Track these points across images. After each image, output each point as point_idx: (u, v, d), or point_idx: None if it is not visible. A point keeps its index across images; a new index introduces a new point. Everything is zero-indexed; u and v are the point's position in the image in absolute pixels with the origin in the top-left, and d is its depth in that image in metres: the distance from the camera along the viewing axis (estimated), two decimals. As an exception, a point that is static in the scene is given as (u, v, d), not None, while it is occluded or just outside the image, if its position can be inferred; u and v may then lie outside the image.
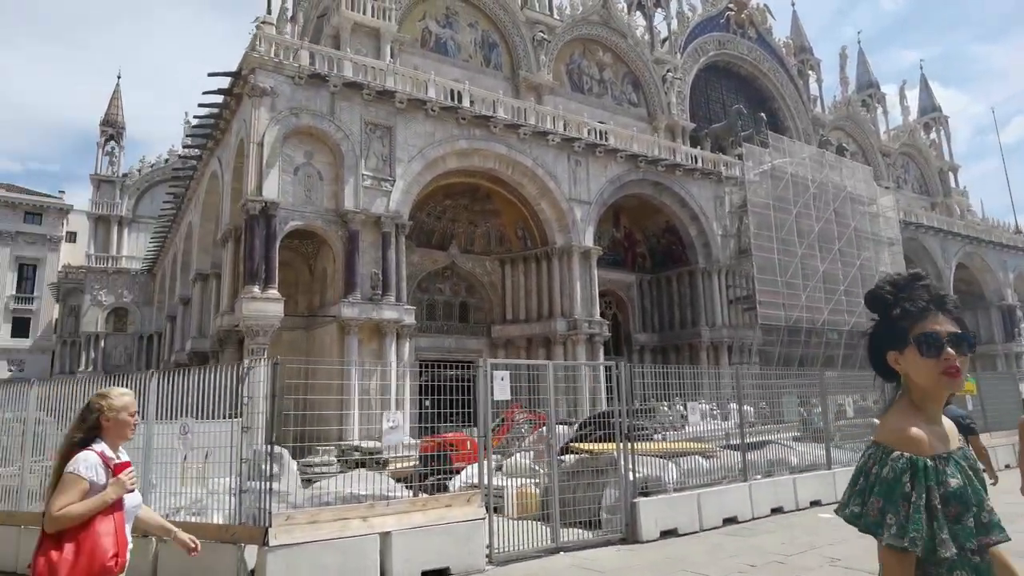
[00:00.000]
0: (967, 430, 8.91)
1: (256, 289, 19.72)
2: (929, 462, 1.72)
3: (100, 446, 3.31)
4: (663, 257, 33.09)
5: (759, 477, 11.62)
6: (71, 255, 50.35)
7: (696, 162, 31.06)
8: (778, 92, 42.81)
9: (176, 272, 35.72)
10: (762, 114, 38.06)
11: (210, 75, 22.61)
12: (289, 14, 36.97)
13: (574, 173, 26.92)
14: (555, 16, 32.61)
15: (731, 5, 41.24)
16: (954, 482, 1.69)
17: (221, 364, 22.65)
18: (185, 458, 7.62)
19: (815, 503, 12.11)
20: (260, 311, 19.61)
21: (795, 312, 29.31)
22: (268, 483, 6.63)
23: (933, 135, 54.14)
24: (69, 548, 3.10)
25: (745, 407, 12.43)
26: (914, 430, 1.76)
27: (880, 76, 52.98)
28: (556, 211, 26.48)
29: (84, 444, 3.29)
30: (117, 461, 3.34)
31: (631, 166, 28.70)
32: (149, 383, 7.73)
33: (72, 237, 51.80)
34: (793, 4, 49.22)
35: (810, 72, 46.02)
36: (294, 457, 12.70)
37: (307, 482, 11.84)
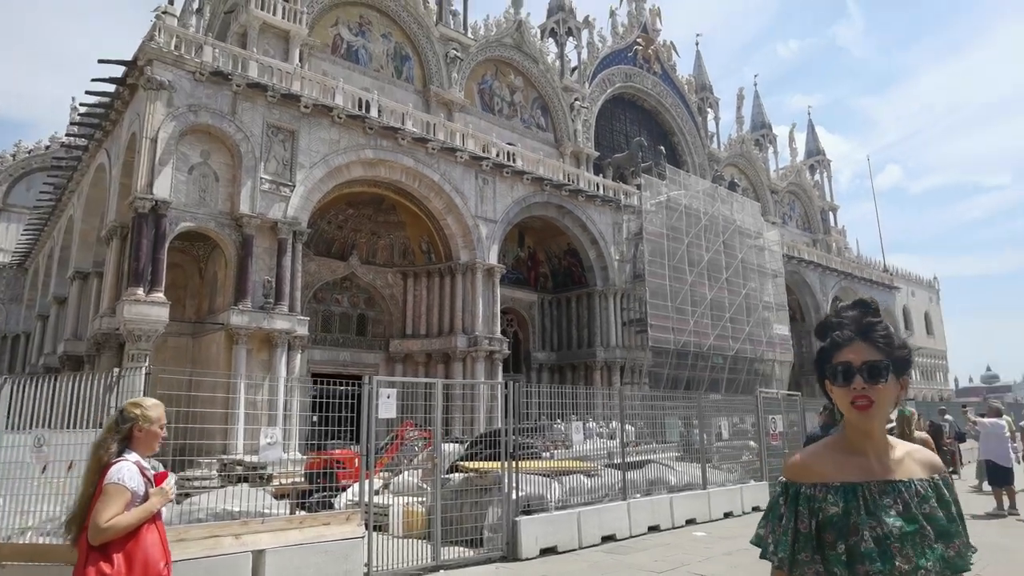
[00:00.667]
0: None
1: (140, 291, 18.68)
2: (804, 488, 1.78)
3: (134, 456, 3.35)
4: (564, 278, 34.00)
5: (638, 496, 12.15)
6: (-73, 243, 45.50)
7: (598, 189, 32.21)
8: (679, 127, 45.15)
9: (52, 268, 33.09)
10: (662, 147, 40.06)
11: (101, 62, 21.33)
12: (195, 6, 35.47)
13: (481, 191, 27.26)
14: (469, 35, 33.04)
15: (639, 40, 43.22)
16: (832, 510, 1.72)
17: (96, 370, 21.29)
18: (44, 469, 7.17)
19: (690, 521, 12.79)
20: (143, 315, 18.56)
21: (684, 336, 30.88)
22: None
23: (817, 176, 58.62)
24: (119, 559, 3.11)
25: (628, 427, 13.01)
26: (798, 458, 1.86)
27: (773, 118, 56.94)
28: (462, 227, 26.69)
29: (117, 454, 3.31)
30: (153, 471, 3.42)
31: (537, 188, 29.40)
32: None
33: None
34: (697, 44, 52.23)
35: (709, 110, 48.80)
36: (173, 470, 12.16)
37: (183, 497, 11.34)
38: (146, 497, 3.27)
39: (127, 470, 3.24)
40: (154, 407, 3.48)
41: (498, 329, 26.97)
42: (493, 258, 27.14)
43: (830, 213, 56.93)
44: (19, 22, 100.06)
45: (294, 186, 21.85)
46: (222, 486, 10.44)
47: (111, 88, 22.07)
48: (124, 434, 3.35)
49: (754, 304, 35.85)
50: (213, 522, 7.26)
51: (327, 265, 26.91)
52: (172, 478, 3.49)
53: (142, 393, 7.08)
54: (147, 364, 16.41)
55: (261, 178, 21.12)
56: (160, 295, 18.95)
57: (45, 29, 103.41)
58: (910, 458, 1.81)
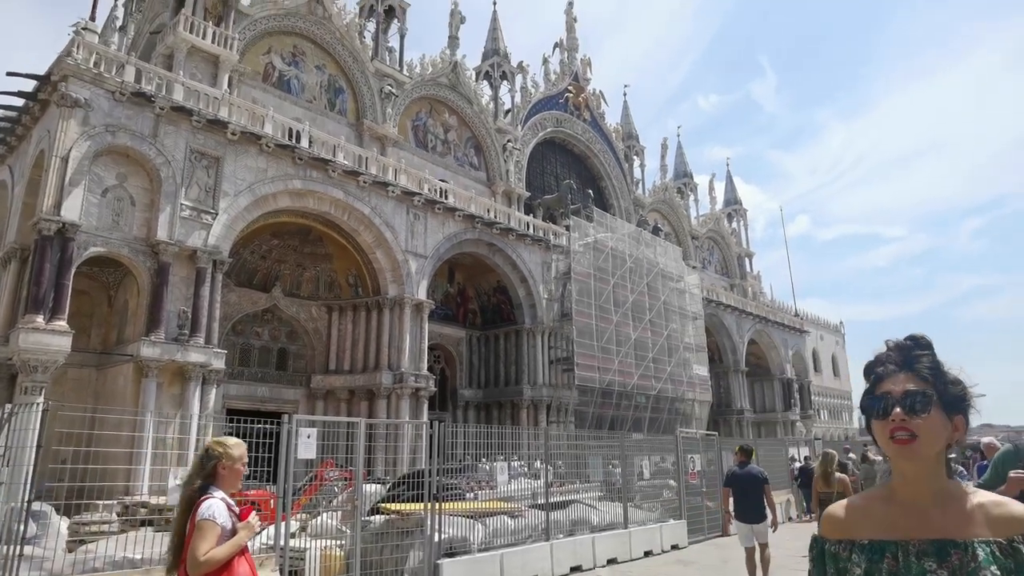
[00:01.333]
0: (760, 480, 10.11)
1: (40, 319, 17.42)
2: (829, 545, 1.58)
3: (220, 493, 3.57)
4: (493, 315, 34.08)
5: (561, 536, 12.12)
6: None
7: (528, 228, 32.69)
8: (606, 172, 46.62)
9: (-63, 290, 30.54)
10: (591, 191, 41.18)
11: (10, 75, 20.22)
12: (118, 23, 34.27)
13: (412, 226, 27.14)
14: (405, 72, 33.28)
15: (570, 87, 44.69)
16: (856, 571, 1.49)
17: (-18, 403, 19.62)
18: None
19: (611, 561, 12.84)
20: (42, 344, 17.29)
21: (608, 375, 31.37)
22: (18, 547, 5.83)
23: (735, 224, 61.52)
24: None
25: (551, 467, 13.03)
26: (832, 509, 1.64)
27: (694, 167, 59.86)
28: (391, 261, 26.42)
29: (203, 491, 3.54)
30: (237, 507, 3.65)
31: (468, 225, 29.54)
32: None
33: None
34: (625, 94, 54.43)
35: (635, 157, 50.69)
36: (67, 514, 11.22)
37: (78, 543, 10.47)
38: (234, 531, 3.50)
39: (216, 507, 3.48)
40: (236, 446, 3.73)
41: (425, 366, 26.63)
42: (422, 293, 26.93)
43: (746, 259, 59.72)
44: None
45: (217, 214, 21.12)
46: (123, 531, 9.74)
47: (19, 103, 20.90)
48: (209, 471, 3.61)
49: (675, 345, 36.92)
50: (111, 572, 6.73)
51: (248, 296, 25.99)
52: (257, 513, 3.73)
53: (37, 431, 6.56)
54: (43, 399, 15.24)
55: (181, 204, 20.33)
56: (62, 323, 17.74)
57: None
58: (982, 512, 1.46)
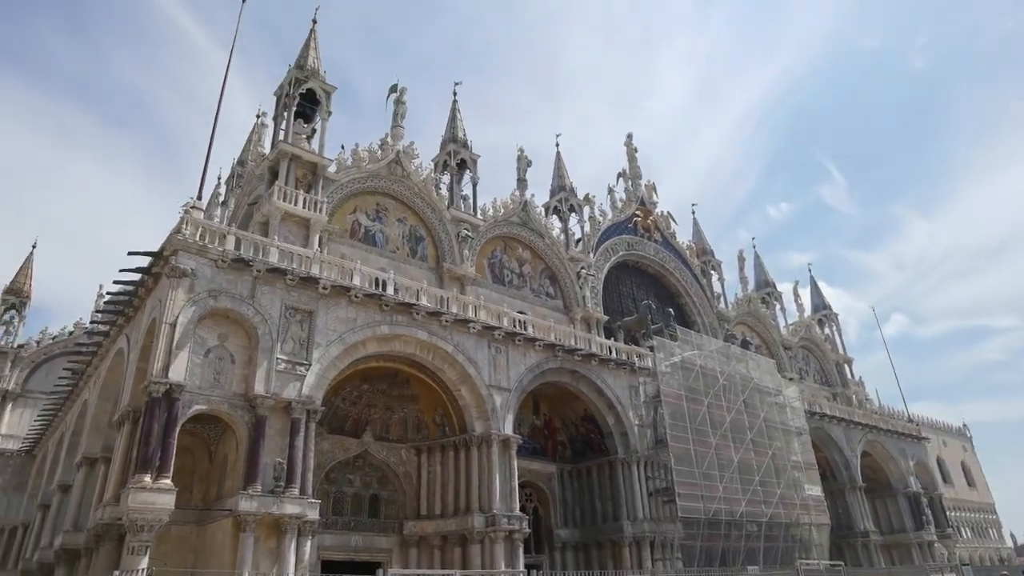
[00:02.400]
0: None
1: (147, 478, 18.10)
2: None
3: None
4: (583, 446, 32.98)
5: None
6: (-60, 432, 45.26)
7: (611, 352, 32.25)
8: (684, 289, 46.22)
9: (60, 454, 32.52)
10: (670, 309, 40.67)
11: (130, 254, 22.44)
12: (221, 199, 38.17)
13: (494, 360, 27.31)
14: (478, 215, 35.08)
15: (637, 212, 45.68)
16: None
17: (92, 569, 20.12)
18: None
19: None
20: (148, 503, 17.81)
21: (714, 504, 29.23)
22: None
23: (827, 330, 58.76)
24: None
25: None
26: None
27: (775, 275, 58.33)
28: (476, 397, 26.40)
29: None
30: None
31: (549, 354, 29.47)
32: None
33: (-55, 412, 46.97)
34: (693, 212, 54.89)
35: (712, 271, 50.22)
36: None
37: None
38: None
39: None
40: None
41: (517, 506, 25.60)
42: (508, 428, 26.52)
43: (845, 366, 56.34)
44: (58, 215, 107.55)
45: (310, 364, 21.98)
46: None
47: (137, 277, 23.04)
48: None
49: (782, 464, 34.37)
50: None
51: (340, 443, 26.33)
52: None
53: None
54: (148, 563, 15.46)
55: (277, 358, 21.33)
56: (167, 481, 18.34)
57: (81, 222, 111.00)
58: None
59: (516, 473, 26.31)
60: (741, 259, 55.40)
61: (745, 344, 42.63)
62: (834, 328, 59.17)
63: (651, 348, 32.77)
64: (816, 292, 62.17)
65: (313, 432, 21.66)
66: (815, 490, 36.09)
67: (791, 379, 45.03)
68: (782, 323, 54.06)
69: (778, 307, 55.25)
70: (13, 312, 49.07)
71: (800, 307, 58.12)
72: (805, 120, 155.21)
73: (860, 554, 41.38)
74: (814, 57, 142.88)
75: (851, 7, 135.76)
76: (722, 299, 49.29)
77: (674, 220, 48.93)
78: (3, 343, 47.30)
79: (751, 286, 54.48)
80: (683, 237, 49.71)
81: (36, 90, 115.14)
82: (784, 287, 64.11)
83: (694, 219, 54.29)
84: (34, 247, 53.86)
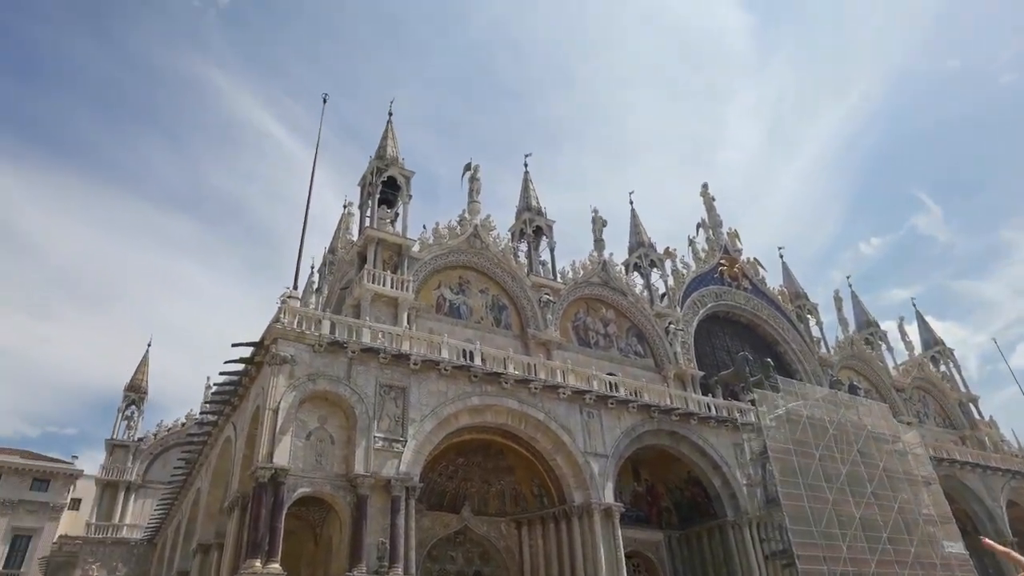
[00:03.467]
0: None
1: (258, 563, 18.54)
2: None
3: None
4: (689, 511, 31.37)
5: None
6: (72, 524, 48.44)
7: (710, 410, 30.98)
8: (781, 336, 44.23)
9: (178, 542, 33.97)
10: (768, 359, 38.80)
11: (234, 345, 23.73)
12: (315, 286, 40.15)
13: (587, 426, 26.76)
14: (558, 279, 35.24)
15: (722, 261, 44.56)
16: None
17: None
18: None
19: None
20: (260, 590, 18.17)
21: (838, 566, 26.81)
22: None
23: (943, 367, 54.45)
24: None
25: None
26: None
27: (876, 314, 54.99)
28: (572, 465, 25.81)
29: None
30: None
31: (645, 416, 28.62)
32: None
33: (76, 504, 50.36)
34: (781, 256, 53.09)
35: (808, 316, 47.98)
36: None
37: None
38: None
39: None
40: None
41: (624, 578, 24.45)
42: (609, 497, 25.64)
43: (970, 405, 51.67)
44: (167, 315, 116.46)
45: (406, 441, 22.24)
46: None
47: (241, 367, 24.29)
48: None
49: (912, 519, 31.32)
50: None
51: (440, 520, 26.19)
52: None
53: None
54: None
55: (374, 437, 21.72)
56: (276, 566, 18.71)
57: (189, 319, 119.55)
58: None
59: (621, 543, 25.24)
60: (838, 300, 52.78)
61: (853, 389, 39.88)
62: (951, 364, 54.77)
63: (752, 402, 31.20)
64: (924, 327, 58.09)
65: (413, 509, 21.68)
66: (956, 547, 32.56)
67: (909, 423, 41.64)
68: (891, 363, 50.63)
69: (884, 347, 51.91)
70: (133, 407, 52.63)
71: (909, 345, 54.40)
72: (888, 151, 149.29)
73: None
74: (889, 87, 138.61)
75: (923, 31, 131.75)
76: (822, 343, 46.82)
77: (762, 266, 47.43)
78: (125, 437, 50.61)
79: (852, 327, 51.60)
80: (773, 283, 48.01)
81: (140, 201, 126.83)
82: (888, 325, 60.48)
83: (783, 263, 52.50)
84: (149, 346, 58.16)
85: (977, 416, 51.04)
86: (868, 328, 52.97)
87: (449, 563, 26.09)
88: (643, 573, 29.93)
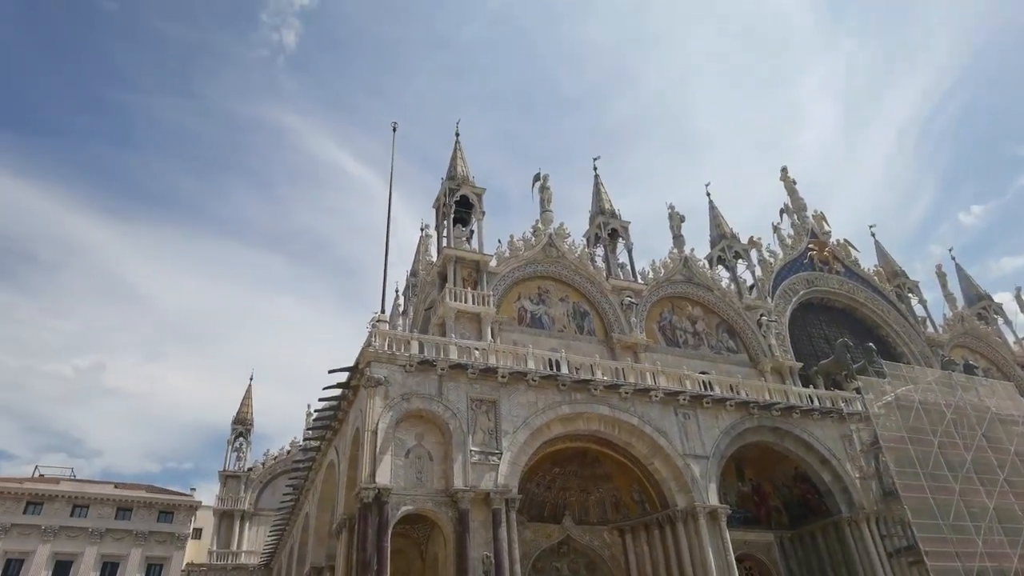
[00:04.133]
0: None
1: (370, 583, 18.98)
2: None
3: None
4: (800, 509, 29.93)
5: None
6: (195, 551, 51.39)
7: (812, 401, 29.56)
8: (881, 319, 41.79)
9: (292, 566, 35.40)
10: (870, 344, 36.71)
11: (330, 372, 24.60)
12: (401, 309, 41.14)
13: (684, 427, 26.08)
14: (639, 281, 34.61)
15: (811, 245, 42.59)
16: None
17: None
18: None
19: None
20: (374, 610, 18.59)
21: (974, 562, 24.88)
22: None
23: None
24: None
25: None
26: None
27: (987, 286, 51.07)
28: (671, 469, 25.19)
29: None
30: None
31: (743, 414, 27.61)
32: None
33: (198, 533, 53.40)
34: (873, 234, 50.25)
35: (910, 294, 45.16)
36: None
37: None
38: None
39: None
40: None
41: (737, 582, 23.53)
42: (713, 499, 24.83)
43: (1114, 375, 46.96)
44: (268, 349, 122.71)
45: (501, 453, 22.36)
46: None
47: (338, 392, 25.13)
48: None
49: (1054, 507, 28.69)
50: None
51: (542, 531, 26.10)
52: None
53: None
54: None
55: (470, 451, 21.94)
56: (387, 585, 19.08)
57: (287, 351, 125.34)
58: None
59: (730, 546, 24.36)
60: (941, 275, 49.46)
61: (969, 369, 37.13)
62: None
63: (857, 390, 29.58)
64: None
65: (514, 521, 21.70)
66: (1109, 534, 29.59)
67: (1039, 402, 38.25)
68: (1011, 338, 46.79)
69: (1000, 321, 48.09)
70: (241, 439, 55.48)
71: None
72: (978, 114, 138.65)
73: None
74: (971, 46, 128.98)
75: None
76: (928, 323, 43.87)
77: (853, 247, 45.00)
78: (236, 468, 53.38)
79: (960, 303, 48.16)
80: (867, 263, 45.44)
81: (236, 245, 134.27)
82: (1002, 297, 55.94)
83: (875, 241, 49.66)
84: (251, 379, 61.27)
85: (1121, 386, 46.35)
86: (979, 302, 49.27)
87: (554, 574, 25.91)
88: (756, 575, 28.73)
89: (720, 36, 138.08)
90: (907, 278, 46.01)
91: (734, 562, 24.04)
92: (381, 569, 19.33)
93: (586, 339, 31.63)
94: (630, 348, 31.49)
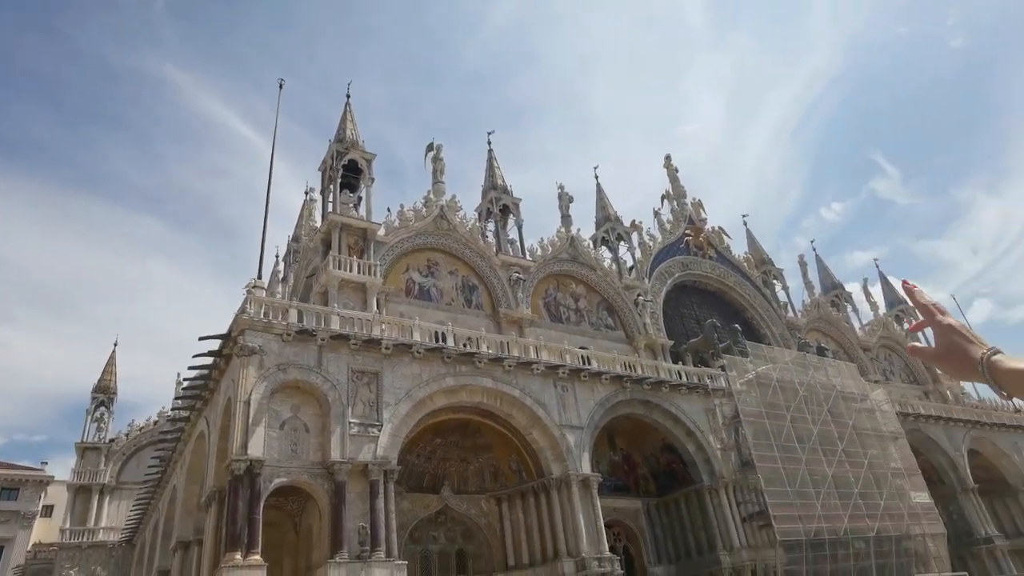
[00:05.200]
0: None
1: (238, 556, 18.42)
2: None
3: None
4: (667, 478, 31.90)
5: None
6: (45, 530, 47.55)
7: (681, 377, 31.41)
8: (748, 302, 44.92)
9: (157, 541, 33.55)
10: (736, 325, 39.47)
11: (201, 339, 23.36)
12: (281, 276, 39.54)
13: (562, 399, 26.95)
14: (527, 257, 35.25)
15: (687, 231, 44.98)
16: None
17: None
18: None
19: None
20: (240, 582, 18.06)
21: (813, 523, 27.57)
22: None
23: (906, 325, 55.83)
24: None
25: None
26: None
27: (841, 277, 56.13)
28: (549, 439, 26.02)
29: None
30: None
31: (618, 387, 28.92)
32: None
33: (48, 511, 49.36)
34: (746, 224, 53.74)
35: (775, 281, 48.78)
36: None
37: None
38: None
39: None
40: None
41: (605, 547, 24.81)
42: (586, 467, 25.94)
43: (934, 361, 53.19)
44: (137, 316, 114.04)
45: (381, 425, 22.17)
46: None
47: (210, 361, 23.91)
48: None
49: (882, 473, 32.29)
50: None
51: (420, 501, 26.27)
52: None
53: None
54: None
55: (350, 423, 21.60)
56: (257, 557, 18.61)
57: (160, 319, 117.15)
58: None
59: (600, 513, 25.61)
60: (803, 264, 53.74)
61: (821, 351, 40.79)
62: (914, 323, 56.20)
63: (722, 368, 31.73)
64: (888, 288, 59.48)
65: (392, 492, 21.68)
66: (922, 497, 33.71)
67: (876, 381, 42.76)
68: (857, 325, 51.78)
69: (850, 308, 53.08)
70: (103, 409, 51.58)
71: (873, 305, 55.69)
72: (845, 118, 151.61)
73: (986, 562, 38.22)
74: (843, 55, 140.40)
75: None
76: (789, 308, 47.71)
77: (726, 234, 47.98)
78: (96, 440, 49.64)
79: (818, 291, 52.63)
80: (738, 250, 48.64)
81: (103, 202, 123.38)
82: (852, 287, 61.67)
83: (747, 230, 53.15)
84: (116, 345, 56.89)
85: (939, 371, 52.56)
86: (833, 291, 54.05)
87: (431, 543, 26.23)
88: (623, 541, 30.44)
89: (620, 23, 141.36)
90: (773, 266, 49.64)
91: (603, 527, 25.31)
92: (252, 542, 18.79)
93: (474, 313, 31.84)
94: (516, 323, 32.05)
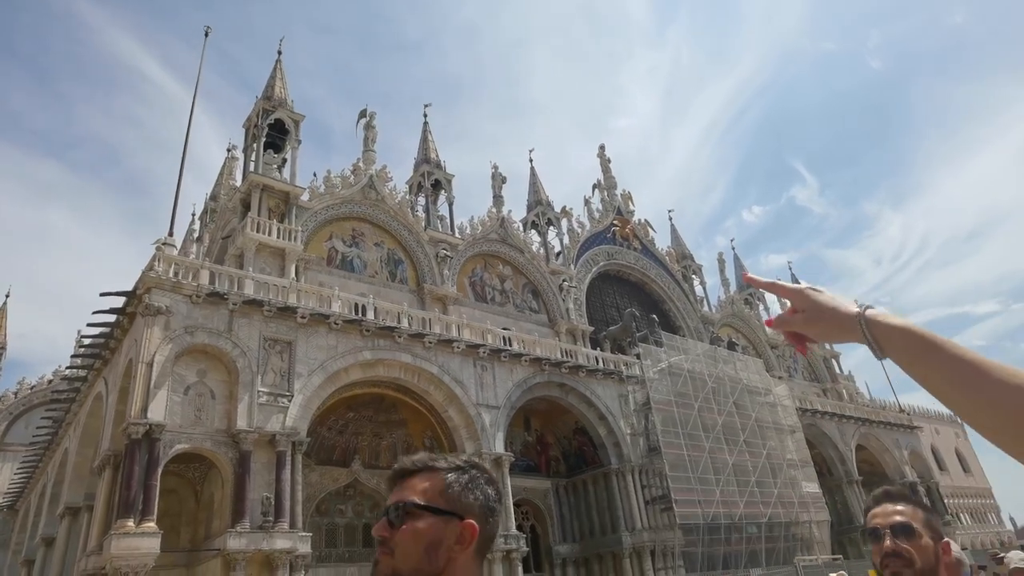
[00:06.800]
0: None
1: (131, 523, 17.62)
2: None
3: None
4: (577, 460, 32.67)
5: None
6: (-82, 495, 44.02)
7: (598, 363, 32.09)
8: (667, 295, 46.30)
9: (43, 507, 31.66)
10: (654, 316, 40.65)
11: (102, 295, 22.04)
12: (196, 235, 37.77)
13: (481, 378, 27.05)
14: (457, 235, 34.94)
15: (615, 222, 45.82)
16: None
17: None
18: None
19: None
20: (132, 548, 17.31)
21: (712, 508, 28.99)
22: None
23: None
24: None
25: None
26: None
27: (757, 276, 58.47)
28: (464, 417, 26.10)
29: None
30: None
31: (536, 369, 29.26)
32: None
33: (-77, 473, 45.70)
34: (671, 219, 55.25)
35: (694, 276, 50.43)
36: None
37: None
38: None
39: None
40: None
41: (513, 525, 25.25)
42: (499, 447, 26.20)
43: (832, 361, 56.54)
44: (35, 266, 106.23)
45: (292, 396, 21.62)
46: None
47: (112, 319, 22.63)
48: None
49: (778, 464, 34.22)
50: None
51: (329, 474, 25.87)
52: None
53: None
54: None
55: (259, 391, 20.95)
56: (151, 524, 17.86)
57: (59, 272, 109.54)
58: None
59: (510, 492, 26.00)
60: (721, 262, 55.71)
61: (732, 345, 42.64)
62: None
63: (638, 356, 32.66)
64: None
65: (300, 464, 21.25)
66: (812, 487, 35.96)
67: (780, 378, 45.05)
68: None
69: (761, 307, 55.48)
70: (-11, 364, 48.05)
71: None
72: (771, 125, 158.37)
73: (861, 547, 41.20)
74: (774, 64, 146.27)
75: (804, 14, 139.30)
76: (705, 303, 49.45)
77: (652, 228, 49.17)
78: (-21, 397, 46.21)
79: (733, 288, 54.74)
80: (662, 244, 49.95)
81: (2, 144, 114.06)
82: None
83: (671, 225, 54.61)
84: (7, 296, 53.01)
85: (838, 371, 55.95)
86: (748, 289, 56.34)
87: (338, 516, 25.92)
88: (532, 520, 31.04)
89: (563, 7, 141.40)
90: (693, 261, 51.28)
91: (511, 505, 25.73)
92: (147, 508, 18.03)
93: (397, 287, 31.40)
94: (440, 300, 31.84)
